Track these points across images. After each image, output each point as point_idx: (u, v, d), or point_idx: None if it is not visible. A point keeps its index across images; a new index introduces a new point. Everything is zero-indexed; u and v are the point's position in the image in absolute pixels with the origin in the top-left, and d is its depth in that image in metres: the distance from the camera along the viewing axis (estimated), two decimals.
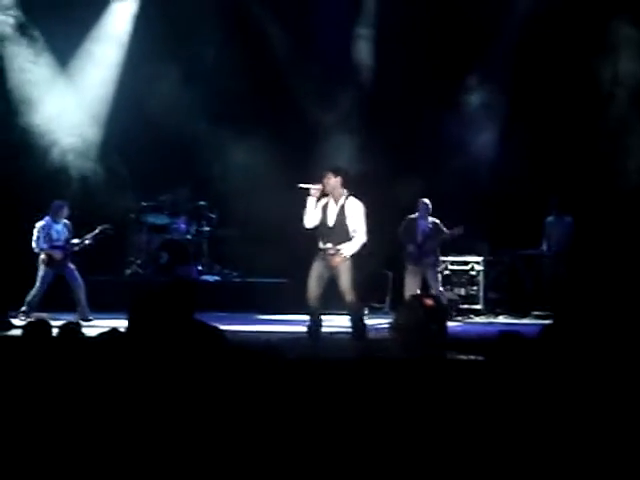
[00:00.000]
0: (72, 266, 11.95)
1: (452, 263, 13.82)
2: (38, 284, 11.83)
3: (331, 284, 10.15)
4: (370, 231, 10.21)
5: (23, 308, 11.62)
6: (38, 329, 5.34)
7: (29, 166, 13.69)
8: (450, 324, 10.74)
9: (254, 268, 14.16)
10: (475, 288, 13.71)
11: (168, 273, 13.64)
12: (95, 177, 14.02)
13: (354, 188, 11.39)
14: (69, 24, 13.78)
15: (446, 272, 13.78)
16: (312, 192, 9.95)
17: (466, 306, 13.54)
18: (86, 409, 4.64)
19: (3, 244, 12.95)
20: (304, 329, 10.26)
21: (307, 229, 10.14)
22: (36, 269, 11.91)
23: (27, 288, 11.85)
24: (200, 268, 14.32)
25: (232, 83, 14.14)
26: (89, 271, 12.73)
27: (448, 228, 12.46)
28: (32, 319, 5.71)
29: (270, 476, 4.36)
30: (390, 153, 13.83)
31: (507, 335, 5.30)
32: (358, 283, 10.25)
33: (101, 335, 5.39)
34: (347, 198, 10.04)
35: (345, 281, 9.99)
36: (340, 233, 9.98)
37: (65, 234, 11.98)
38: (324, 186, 10.00)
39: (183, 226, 14.34)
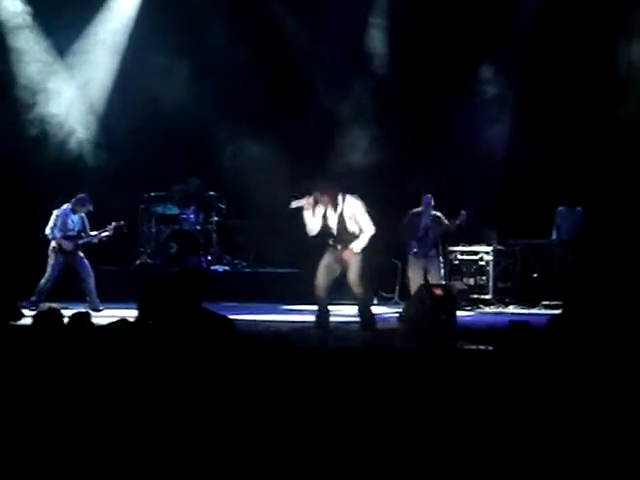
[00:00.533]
0: (82, 255, 11.96)
1: (461, 253, 13.81)
2: (48, 273, 11.85)
3: (340, 275, 10.16)
4: (379, 222, 10.21)
5: (33, 297, 11.63)
6: (49, 318, 5.35)
7: (39, 157, 13.70)
8: (459, 314, 10.74)
9: (263, 258, 14.16)
10: (484, 278, 13.69)
11: (177, 263, 13.64)
12: (105, 167, 14.02)
13: (367, 179, 11.48)
14: (76, 15, 13.81)
15: (455, 262, 13.77)
16: (305, 207, 9.97)
17: (475, 296, 13.51)
18: (95, 398, 4.65)
19: (13, 234, 12.98)
20: (313, 319, 10.26)
21: (313, 237, 10.14)
22: (46, 258, 11.92)
23: (37, 277, 11.87)
24: (209, 258, 14.32)
25: (244, 73, 14.14)
26: (99, 261, 12.74)
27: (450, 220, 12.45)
28: (42, 308, 5.70)
29: (278, 463, 4.37)
30: (402, 144, 13.81)
31: (517, 325, 5.30)
32: (368, 274, 10.26)
33: (110, 325, 5.40)
34: (344, 202, 10.04)
35: (354, 274, 10.02)
36: (345, 236, 10.03)
37: (79, 225, 11.99)
38: (318, 202, 9.98)
39: (192, 216, 14.34)
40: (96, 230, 12.13)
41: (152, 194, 14.34)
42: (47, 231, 11.87)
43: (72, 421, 4.54)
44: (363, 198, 10.36)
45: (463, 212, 12.25)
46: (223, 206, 14.57)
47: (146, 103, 13.55)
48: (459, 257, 13.80)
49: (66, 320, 5.46)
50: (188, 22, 14.25)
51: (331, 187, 10.14)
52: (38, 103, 13.75)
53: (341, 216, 10.04)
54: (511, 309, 13.29)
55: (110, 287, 12.50)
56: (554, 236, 13.44)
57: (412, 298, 10.99)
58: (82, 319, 5.46)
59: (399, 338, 9.76)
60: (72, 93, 14.11)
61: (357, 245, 10.03)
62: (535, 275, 13.65)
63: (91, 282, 11.91)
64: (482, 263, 13.75)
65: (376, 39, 14.51)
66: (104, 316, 10.92)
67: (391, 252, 13.77)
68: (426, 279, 12.34)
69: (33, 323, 5.40)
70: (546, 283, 13.49)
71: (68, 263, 11.94)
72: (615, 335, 5.22)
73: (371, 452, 4.51)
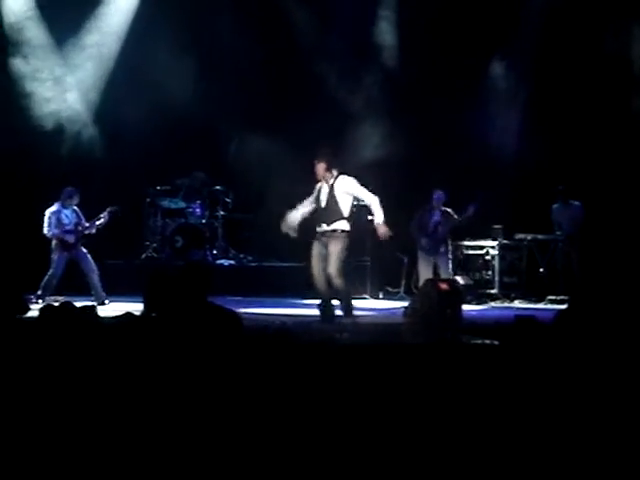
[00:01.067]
0: (84, 250, 11.97)
1: (467, 248, 13.81)
2: (52, 269, 11.87)
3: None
4: (388, 217, 10.24)
5: (38, 292, 11.66)
6: (56, 311, 5.37)
7: (44, 151, 13.71)
8: (465, 308, 10.75)
9: (269, 252, 14.17)
10: (490, 272, 13.70)
11: (183, 257, 13.66)
12: (111, 161, 14.04)
13: (376, 173, 11.48)
14: (80, 9, 13.84)
15: (461, 257, 13.77)
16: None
17: (481, 290, 13.51)
18: (101, 392, 4.66)
19: (18, 229, 13.00)
20: (318, 313, 10.27)
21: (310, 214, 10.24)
22: (50, 253, 11.95)
23: (43, 272, 11.89)
24: (215, 252, 14.33)
25: (251, 67, 14.14)
26: (105, 255, 12.77)
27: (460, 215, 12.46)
28: (48, 302, 5.72)
29: (284, 458, 4.38)
30: (410, 138, 13.81)
31: (522, 319, 5.30)
32: (347, 264, 10.25)
33: (115, 319, 5.41)
34: (336, 178, 10.07)
35: (332, 265, 9.97)
36: (332, 212, 10.05)
37: (74, 218, 12.01)
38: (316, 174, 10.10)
39: (198, 210, 14.36)
40: (90, 220, 12.13)
41: (158, 188, 14.36)
42: (45, 231, 11.92)
43: (78, 414, 4.55)
44: (373, 191, 10.41)
45: (472, 206, 12.26)
46: (229, 200, 14.58)
47: (152, 97, 13.54)
48: (465, 252, 13.80)
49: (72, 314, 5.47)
50: (195, 16, 14.25)
51: (326, 156, 10.13)
52: (43, 98, 13.77)
53: (331, 190, 10.06)
54: (517, 304, 13.28)
55: (116, 281, 12.53)
56: (558, 231, 13.42)
57: (418, 292, 11.00)
58: (89, 313, 5.47)
59: (405, 333, 9.77)
60: (77, 88, 14.12)
61: (378, 216, 10.10)
62: (541, 270, 13.64)
63: (95, 277, 11.93)
64: (488, 258, 13.75)
65: (385, 32, 14.49)
66: (110, 310, 10.98)
67: (397, 247, 13.79)
68: (436, 274, 12.37)
69: (40, 316, 5.41)
70: (552, 278, 13.48)
71: (72, 258, 11.95)
72: (621, 330, 5.22)
73: (377, 446, 4.52)
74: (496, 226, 13.83)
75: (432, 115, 13.85)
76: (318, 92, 14.21)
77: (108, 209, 12.15)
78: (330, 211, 10.07)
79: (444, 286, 10.00)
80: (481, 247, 13.80)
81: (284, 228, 10.28)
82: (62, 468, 4.36)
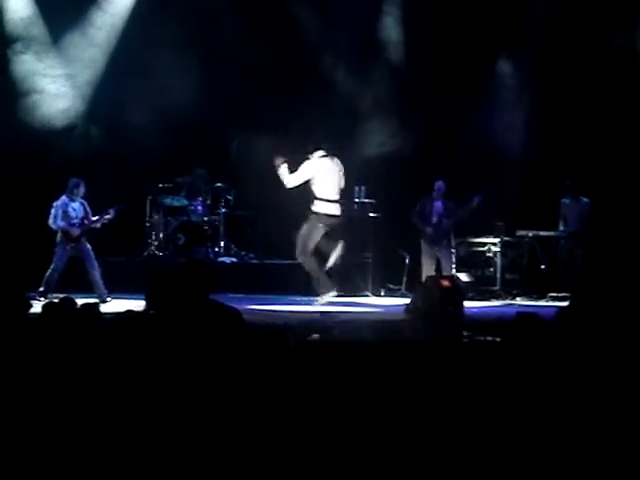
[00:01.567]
0: (88, 246, 11.97)
1: (469, 244, 13.80)
2: (54, 263, 11.86)
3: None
4: (392, 212, 10.34)
5: (41, 288, 11.66)
6: (59, 308, 5.38)
7: (47, 148, 13.71)
8: (467, 305, 10.75)
9: (271, 249, 14.17)
10: (492, 269, 13.69)
11: (185, 255, 13.66)
12: (113, 159, 14.04)
13: (384, 169, 11.59)
14: (81, 8, 13.87)
15: (462, 253, 13.76)
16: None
17: (483, 287, 13.51)
18: (103, 389, 4.67)
19: (21, 224, 13.01)
20: (320, 310, 10.29)
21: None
22: (54, 249, 11.95)
23: (45, 268, 11.90)
24: (217, 250, 14.34)
25: (253, 64, 14.12)
26: (107, 252, 12.76)
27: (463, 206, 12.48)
28: (50, 299, 5.73)
29: (286, 455, 4.38)
30: (415, 134, 13.80)
31: (524, 316, 5.30)
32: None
33: (117, 316, 5.42)
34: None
35: (297, 244, 10.67)
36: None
37: (82, 212, 11.99)
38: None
39: (200, 208, 14.35)
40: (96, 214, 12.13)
41: (160, 186, 14.36)
42: (50, 222, 11.89)
43: (81, 411, 4.56)
44: (377, 188, 10.63)
45: (476, 197, 12.26)
46: (231, 197, 14.58)
47: (154, 94, 13.54)
48: (466, 248, 13.80)
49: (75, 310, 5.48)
50: (197, 13, 14.24)
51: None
52: (43, 96, 13.77)
53: None
54: (518, 301, 13.28)
55: (118, 278, 12.53)
56: (561, 228, 13.43)
57: (419, 289, 11.00)
58: (91, 310, 5.48)
59: (406, 330, 9.77)
60: (77, 86, 14.12)
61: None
62: (543, 267, 13.64)
63: (96, 274, 11.92)
64: (489, 254, 13.74)
65: (391, 28, 14.46)
66: (112, 307, 10.99)
67: (399, 244, 13.81)
68: (438, 268, 12.38)
69: (43, 313, 5.42)
70: (554, 275, 13.48)
71: (74, 254, 11.95)
72: (623, 327, 5.22)
73: (379, 443, 4.52)
74: (498, 223, 13.83)
75: (438, 111, 13.84)
76: (321, 88, 14.18)
77: (115, 206, 12.15)
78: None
79: (446, 283, 10.01)
80: (483, 244, 13.80)
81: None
82: (68, 465, 4.37)
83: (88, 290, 11.72)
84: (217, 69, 14.36)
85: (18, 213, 13.17)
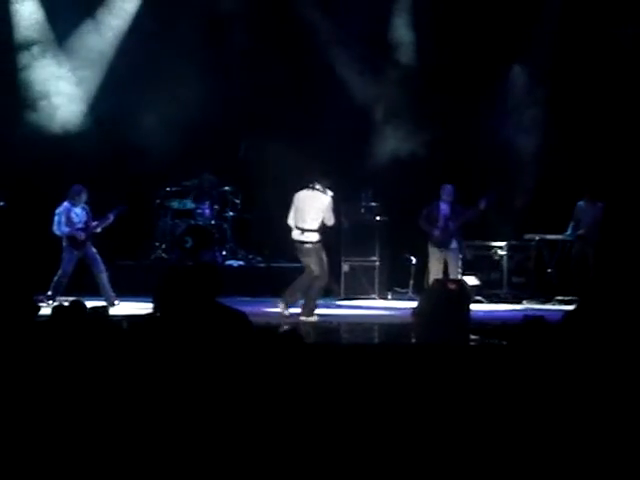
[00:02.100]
0: (94, 250, 12.00)
1: (476, 248, 13.79)
2: (62, 268, 11.90)
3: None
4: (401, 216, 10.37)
5: (49, 292, 11.70)
6: (68, 312, 5.40)
7: (53, 153, 13.72)
8: (473, 309, 10.75)
9: (278, 253, 14.19)
10: (499, 273, 13.68)
11: (193, 258, 13.69)
12: (121, 163, 14.07)
13: (393, 173, 11.64)
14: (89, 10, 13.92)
15: (469, 257, 13.76)
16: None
17: (490, 291, 13.50)
18: (111, 392, 4.69)
19: (29, 228, 13.04)
20: (329, 313, 10.32)
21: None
22: (61, 254, 11.99)
23: (53, 272, 11.93)
24: (224, 253, 14.36)
25: (261, 68, 14.12)
26: (114, 255, 12.79)
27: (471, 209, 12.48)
28: (60, 302, 5.75)
29: (291, 456, 4.40)
30: (421, 137, 13.79)
31: (531, 320, 5.31)
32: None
33: (125, 319, 5.44)
34: None
35: None
36: None
37: (84, 217, 12.04)
38: None
39: (208, 211, 14.38)
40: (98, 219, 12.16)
41: (168, 189, 14.39)
42: (54, 229, 11.95)
43: (89, 413, 4.58)
44: (384, 191, 10.71)
45: (483, 200, 12.25)
46: (238, 201, 14.61)
47: (162, 99, 13.55)
48: (473, 252, 13.79)
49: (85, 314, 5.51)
50: (204, 16, 14.25)
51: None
52: (49, 100, 13.82)
53: None
54: (525, 304, 13.27)
55: (125, 281, 12.57)
56: (569, 231, 13.41)
57: (426, 292, 11.01)
58: (100, 313, 5.50)
59: (413, 333, 9.79)
60: (86, 90, 14.15)
61: None
62: (549, 270, 13.64)
63: (104, 277, 11.96)
64: (496, 258, 13.74)
65: (402, 30, 14.42)
66: (120, 310, 11.03)
67: (405, 247, 13.82)
68: (445, 271, 12.38)
69: (53, 316, 5.45)
70: (560, 278, 13.47)
71: (81, 258, 11.99)
72: (629, 331, 5.22)
73: (385, 446, 4.54)
74: (505, 226, 13.83)
75: (446, 114, 13.79)
76: (331, 91, 14.16)
77: (117, 207, 12.18)
78: None
79: (453, 286, 10.02)
80: (490, 247, 13.80)
81: None
82: (77, 466, 4.39)
83: (95, 293, 11.75)
84: (226, 73, 14.37)
85: (26, 217, 13.20)
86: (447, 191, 12.43)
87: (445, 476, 4.42)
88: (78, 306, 5.45)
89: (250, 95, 14.22)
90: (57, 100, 13.84)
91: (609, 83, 13.66)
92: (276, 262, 14.31)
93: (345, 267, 13.90)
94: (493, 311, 12.46)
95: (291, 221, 11.21)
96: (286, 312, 10.97)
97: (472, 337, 8.60)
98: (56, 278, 11.87)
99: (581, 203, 13.28)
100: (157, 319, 5.59)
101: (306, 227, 11.03)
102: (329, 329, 10.39)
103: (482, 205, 12.27)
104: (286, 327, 9.06)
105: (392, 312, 12.17)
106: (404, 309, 11.59)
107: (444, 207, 12.45)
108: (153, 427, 4.54)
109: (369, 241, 13.89)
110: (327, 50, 14.41)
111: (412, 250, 13.73)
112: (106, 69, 14.16)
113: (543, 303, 13.18)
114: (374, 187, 14.03)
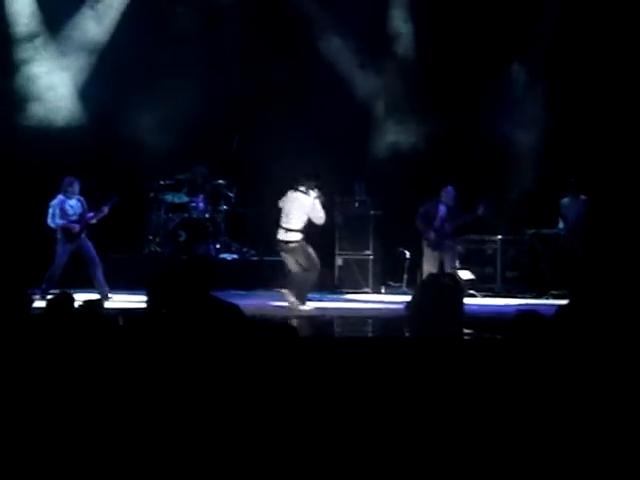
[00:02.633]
0: (89, 243, 11.99)
1: (469, 242, 13.80)
2: (56, 261, 11.89)
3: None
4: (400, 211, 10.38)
5: (43, 285, 11.67)
6: (61, 304, 5.39)
7: (46, 146, 13.71)
8: (467, 302, 10.75)
9: (272, 246, 14.18)
10: (492, 267, 13.69)
11: (186, 251, 13.68)
12: (114, 156, 14.05)
13: (391, 168, 11.62)
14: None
15: (463, 251, 13.76)
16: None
17: (483, 285, 13.51)
18: (105, 386, 4.68)
19: (22, 222, 13.02)
20: (321, 306, 10.33)
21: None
22: (54, 247, 11.97)
23: (47, 265, 11.92)
24: (218, 246, 14.35)
25: (256, 59, 14.12)
26: (108, 249, 12.77)
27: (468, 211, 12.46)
28: (55, 294, 5.74)
29: (287, 451, 4.40)
30: (417, 132, 13.80)
31: (524, 314, 5.31)
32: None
33: (119, 312, 5.44)
34: None
35: None
36: None
37: (79, 209, 12.02)
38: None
39: (201, 205, 14.36)
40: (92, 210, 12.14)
41: (161, 183, 14.38)
42: (48, 222, 11.93)
43: (83, 407, 4.58)
44: (378, 185, 10.70)
45: (481, 207, 12.23)
46: (232, 194, 14.60)
47: (155, 92, 13.55)
48: (467, 246, 13.80)
49: (77, 307, 5.50)
50: (200, 9, 14.23)
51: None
52: (43, 94, 13.79)
53: None
54: (519, 298, 13.29)
55: (119, 274, 12.56)
56: (561, 225, 13.44)
57: (420, 286, 10.99)
58: (92, 307, 5.50)
59: (406, 326, 9.77)
60: (79, 84, 14.13)
61: None
62: (543, 265, 13.65)
63: (98, 270, 11.94)
64: (490, 252, 13.75)
65: (400, 24, 14.41)
66: (113, 303, 11.01)
67: (400, 241, 13.82)
68: (440, 267, 12.37)
69: (45, 310, 5.44)
70: (554, 272, 13.49)
71: (75, 250, 11.97)
72: (622, 325, 5.23)
73: (379, 441, 4.54)
74: (499, 221, 13.84)
75: (443, 109, 13.81)
76: (326, 85, 14.15)
77: (111, 199, 12.16)
78: None
79: (446, 280, 10.01)
80: (483, 241, 13.81)
81: None
82: (70, 462, 4.39)
83: (89, 286, 11.73)
84: (219, 66, 14.36)
85: (19, 210, 13.18)
86: (448, 193, 12.38)
87: (440, 470, 4.43)
88: (66, 298, 5.44)
89: (245, 88, 14.22)
90: (50, 93, 13.83)
91: (607, 80, 13.66)
92: (270, 255, 14.31)
93: (339, 261, 13.91)
94: (487, 305, 12.47)
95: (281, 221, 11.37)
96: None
97: (466, 331, 8.59)
98: (50, 270, 11.85)
99: (565, 200, 13.32)
100: (151, 312, 5.59)
101: (290, 227, 11.15)
102: (323, 322, 10.39)
103: (480, 211, 12.25)
104: (279, 320, 9.08)
105: (386, 306, 12.17)
106: (398, 303, 11.59)
107: (442, 208, 12.44)
108: (147, 419, 4.53)
109: (363, 235, 13.90)
110: (324, 43, 14.40)
111: (406, 244, 13.74)
112: (100, 62, 14.15)
113: (537, 297, 13.20)
114: (368, 181, 14.02)
